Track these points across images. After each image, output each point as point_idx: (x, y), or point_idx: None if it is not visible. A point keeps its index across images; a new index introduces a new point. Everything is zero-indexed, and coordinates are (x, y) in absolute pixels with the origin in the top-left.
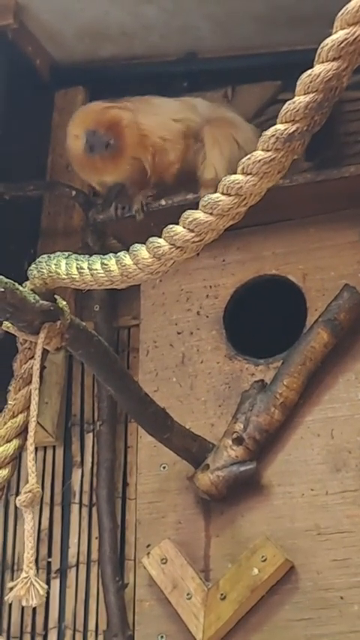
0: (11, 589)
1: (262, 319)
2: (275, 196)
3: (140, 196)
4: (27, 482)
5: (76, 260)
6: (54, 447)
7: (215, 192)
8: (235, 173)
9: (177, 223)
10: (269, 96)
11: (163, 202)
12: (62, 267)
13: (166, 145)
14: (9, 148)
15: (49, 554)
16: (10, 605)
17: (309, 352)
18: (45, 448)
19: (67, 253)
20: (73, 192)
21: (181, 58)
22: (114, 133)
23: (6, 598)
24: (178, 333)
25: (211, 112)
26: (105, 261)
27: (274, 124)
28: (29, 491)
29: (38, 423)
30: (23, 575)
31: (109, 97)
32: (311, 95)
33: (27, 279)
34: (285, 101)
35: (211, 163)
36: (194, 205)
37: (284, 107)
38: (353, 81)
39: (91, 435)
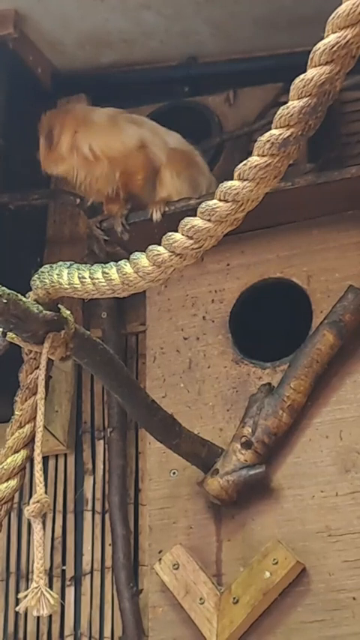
0: (21, 599)
1: (267, 322)
2: (278, 199)
3: (118, 217)
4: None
5: (78, 269)
6: (65, 455)
7: (163, 208)
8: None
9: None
10: (271, 98)
11: (166, 209)
12: (64, 276)
13: (117, 162)
14: (12, 157)
15: (63, 562)
16: (26, 613)
17: (315, 354)
18: (56, 456)
19: (68, 263)
20: (78, 200)
21: (181, 62)
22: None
23: (17, 608)
24: (185, 339)
25: (178, 143)
26: (106, 270)
27: None
28: (37, 502)
29: (49, 431)
30: (33, 585)
31: (111, 103)
32: (305, 99)
33: None
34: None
35: (165, 183)
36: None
37: (278, 112)
38: (353, 82)
39: (102, 442)
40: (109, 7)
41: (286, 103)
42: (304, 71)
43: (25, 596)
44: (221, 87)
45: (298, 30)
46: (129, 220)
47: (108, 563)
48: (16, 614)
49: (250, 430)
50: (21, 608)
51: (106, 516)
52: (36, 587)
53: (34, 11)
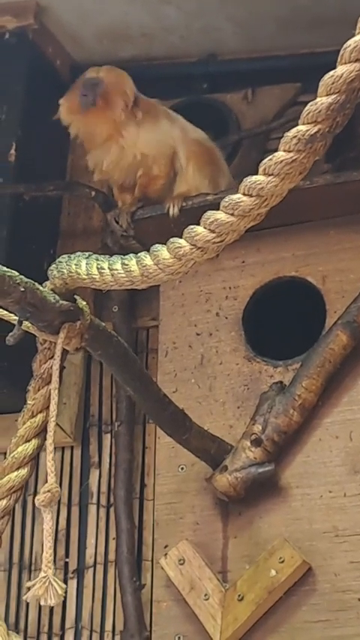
0: (30, 588)
1: (281, 321)
2: (295, 198)
3: (124, 213)
4: (45, 482)
5: (97, 260)
6: (72, 448)
7: (180, 204)
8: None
9: (196, 224)
10: (289, 98)
11: (183, 204)
12: (83, 267)
13: (146, 161)
14: (29, 148)
15: (67, 555)
16: (28, 605)
17: (328, 354)
18: (63, 449)
19: (87, 253)
20: (93, 193)
21: (201, 59)
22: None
23: (24, 597)
24: (197, 334)
25: (203, 140)
26: (125, 262)
27: (294, 125)
28: (48, 491)
29: (56, 423)
30: (42, 574)
31: None
32: (333, 96)
33: (47, 279)
34: (305, 103)
35: (186, 178)
36: (214, 206)
37: (306, 108)
38: None
39: (109, 435)
40: (130, 0)
41: (304, 102)
42: (324, 71)
43: (33, 585)
44: (240, 85)
45: (319, 30)
46: (144, 215)
47: (111, 556)
48: (18, 605)
49: (260, 428)
50: (29, 596)
51: (111, 510)
52: (44, 577)
53: (55, 3)
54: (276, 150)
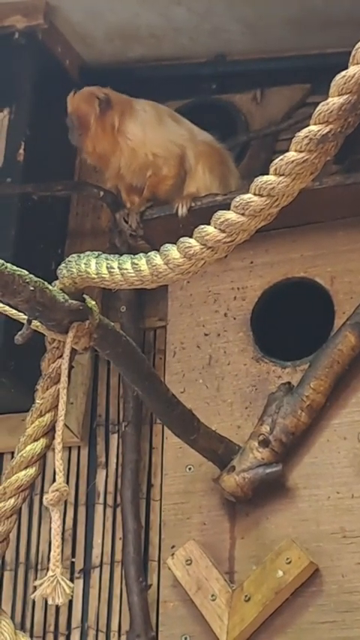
0: (37, 587)
1: (289, 322)
2: (304, 199)
3: (134, 213)
4: (53, 481)
5: (106, 259)
6: (79, 448)
7: (189, 204)
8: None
9: (205, 224)
10: (298, 99)
11: (192, 204)
12: (92, 266)
13: (157, 161)
14: (38, 148)
15: (73, 555)
16: (34, 604)
17: (336, 355)
18: (70, 448)
19: (96, 253)
20: (101, 193)
21: (210, 60)
22: (81, 128)
23: (32, 596)
24: (206, 335)
25: (211, 141)
26: (135, 261)
27: (303, 126)
28: (57, 490)
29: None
30: (50, 573)
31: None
32: (345, 97)
33: (54, 278)
34: (314, 104)
35: (196, 178)
36: (223, 207)
37: (318, 108)
38: None
39: (116, 435)
40: (140, 1)
41: (313, 103)
42: (333, 72)
43: (41, 584)
44: (249, 85)
45: (328, 31)
46: (153, 215)
47: (118, 557)
48: (24, 604)
49: (268, 428)
50: (36, 595)
51: (118, 510)
52: (52, 576)
53: (65, 3)
54: (285, 151)
